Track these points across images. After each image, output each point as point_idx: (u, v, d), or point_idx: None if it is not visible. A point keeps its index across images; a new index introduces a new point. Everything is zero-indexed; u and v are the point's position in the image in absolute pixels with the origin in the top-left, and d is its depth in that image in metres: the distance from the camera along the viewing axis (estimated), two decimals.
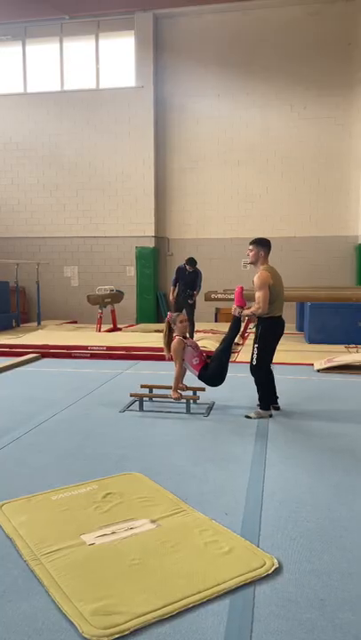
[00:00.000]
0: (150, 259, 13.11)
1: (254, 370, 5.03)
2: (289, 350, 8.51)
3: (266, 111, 12.74)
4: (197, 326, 10.26)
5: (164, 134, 13.20)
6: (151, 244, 13.16)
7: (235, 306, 5.11)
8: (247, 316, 5.09)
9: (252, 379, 5.08)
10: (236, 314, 5.08)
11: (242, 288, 5.19)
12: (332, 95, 12.43)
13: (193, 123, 13.03)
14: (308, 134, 12.60)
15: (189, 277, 9.47)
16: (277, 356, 7.77)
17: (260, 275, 4.92)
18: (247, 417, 4.96)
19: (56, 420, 4.84)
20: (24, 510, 2.99)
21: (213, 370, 5.14)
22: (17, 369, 7.33)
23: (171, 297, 9.72)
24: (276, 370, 7.07)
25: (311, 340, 9.34)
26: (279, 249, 12.65)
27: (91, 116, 13.20)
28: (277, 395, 5.23)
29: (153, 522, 2.84)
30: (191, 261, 9.40)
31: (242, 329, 8.72)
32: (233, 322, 5.18)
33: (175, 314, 5.52)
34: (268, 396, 5.05)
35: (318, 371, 7.09)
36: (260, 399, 5.05)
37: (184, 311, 9.36)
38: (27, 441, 4.28)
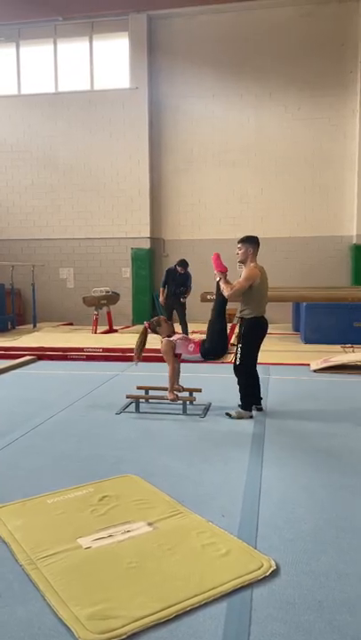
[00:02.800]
0: (146, 260, 13.09)
1: (238, 369, 5.05)
2: (285, 350, 8.52)
3: (260, 112, 12.75)
4: (193, 327, 10.26)
5: (159, 135, 13.19)
6: (147, 245, 13.15)
7: (216, 271, 5.08)
8: (218, 283, 5.04)
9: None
10: (217, 279, 5.08)
11: (218, 254, 5.19)
12: (326, 96, 12.45)
13: (188, 124, 13.03)
14: (303, 135, 12.62)
15: (180, 279, 9.50)
16: (273, 357, 7.83)
17: (250, 269, 4.96)
18: (228, 414, 4.99)
19: (52, 423, 4.82)
20: (20, 514, 2.98)
21: (210, 341, 5.15)
22: (13, 371, 7.31)
23: (161, 298, 9.74)
24: (272, 370, 7.11)
25: (307, 341, 9.34)
26: (275, 249, 12.68)
27: (85, 118, 13.19)
28: (261, 396, 5.23)
29: (150, 524, 2.83)
30: (183, 263, 9.43)
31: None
32: (217, 288, 5.15)
33: (154, 318, 5.50)
34: (249, 397, 5.05)
35: (315, 371, 7.09)
36: (241, 399, 5.06)
37: (174, 313, 9.54)
38: (23, 443, 4.25)
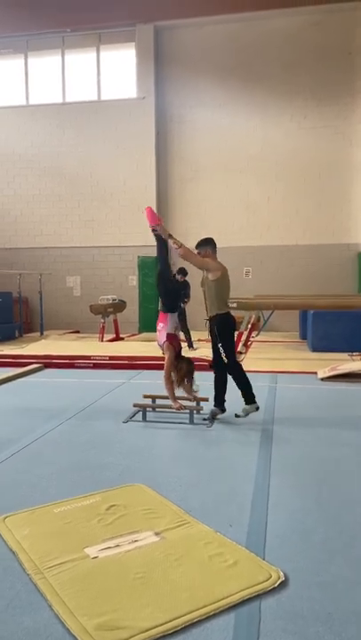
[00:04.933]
0: (152, 268, 13.09)
1: (230, 369, 5.09)
2: (292, 359, 8.48)
3: (266, 121, 12.81)
4: (198, 335, 10.26)
5: (166, 144, 13.27)
6: (153, 253, 13.10)
7: (151, 225, 5.10)
8: (171, 240, 5.00)
9: (252, 385, 5.13)
10: (154, 233, 5.11)
11: (150, 207, 5.27)
12: (333, 104, 12.50)
13: (194, 133, 13.11)
14: (309, 143, 12.66)
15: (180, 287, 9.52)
16: (280, 365, 7.81)
17: (212, 261, 5.05)
18: (236, 416, 5.08)
19: (59, 431, 4.82)
20: (27, 523, 2.97)
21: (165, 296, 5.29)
22: (20, 379, 7.32)
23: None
24: (279, 378, 7.08)
25: (314, 349, 9.30)
26: (281, 257, 12.69)
27: (92, 128, 13.29)
28: (225, 399, 5.24)
29: (157, 534, 2.81)
30: (182, 271, 9.46)
31: (245, 337, 8.72)
32: (158, 246, 5.17)
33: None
34: (250, 390, 5.08)
35: (322, 379, 7.06)
36: (243, 395, 5.10)
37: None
38: (29, 452, 4.25)
